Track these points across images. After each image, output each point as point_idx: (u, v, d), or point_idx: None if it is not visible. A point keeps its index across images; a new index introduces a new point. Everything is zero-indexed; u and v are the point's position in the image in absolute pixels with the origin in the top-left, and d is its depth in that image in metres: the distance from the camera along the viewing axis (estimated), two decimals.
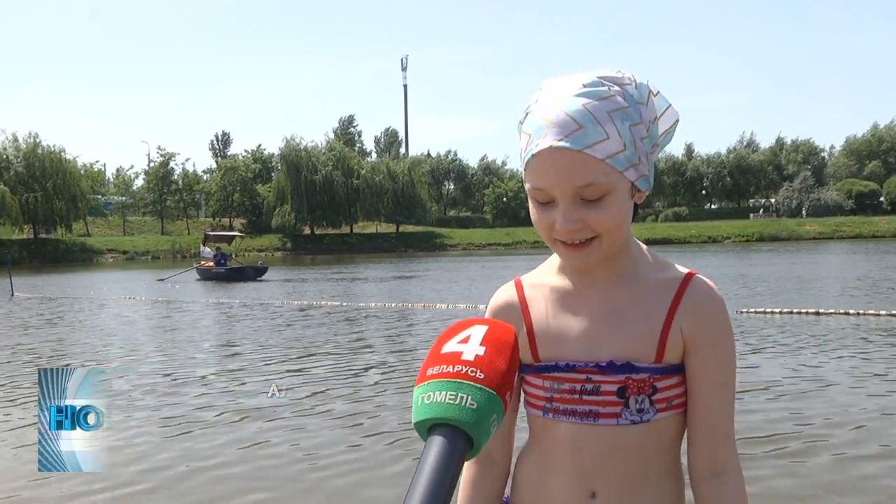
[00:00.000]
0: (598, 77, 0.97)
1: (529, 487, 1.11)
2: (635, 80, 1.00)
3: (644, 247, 1.10)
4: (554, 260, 1.11)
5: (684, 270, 1.07)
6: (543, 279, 1.11)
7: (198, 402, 6.21)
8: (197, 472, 4.42)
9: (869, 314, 10.57)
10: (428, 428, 0.67)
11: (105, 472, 4.39)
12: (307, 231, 67.31)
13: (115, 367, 8.18)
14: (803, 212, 68.11)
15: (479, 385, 0.68)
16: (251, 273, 26.24)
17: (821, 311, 11.04)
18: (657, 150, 1.06)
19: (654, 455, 1.05)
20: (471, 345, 0.71)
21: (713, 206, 79.00)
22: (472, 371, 0.69)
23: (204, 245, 31.98)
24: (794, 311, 11.18)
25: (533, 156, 0.96)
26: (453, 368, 0.69)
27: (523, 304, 1.09)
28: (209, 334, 11.15)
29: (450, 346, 0.72)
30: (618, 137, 0.95)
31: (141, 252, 56.53)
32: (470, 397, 0.67)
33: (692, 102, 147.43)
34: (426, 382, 0.70)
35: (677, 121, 1.08)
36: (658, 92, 1.04)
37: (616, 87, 0.97)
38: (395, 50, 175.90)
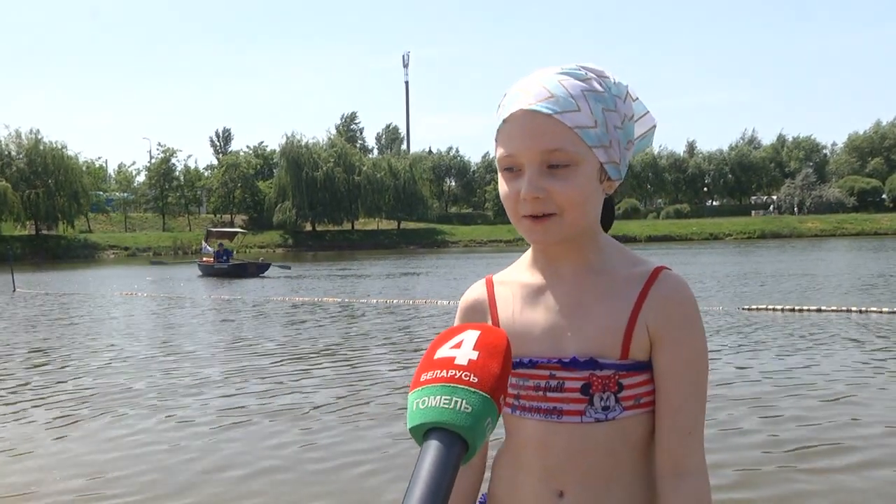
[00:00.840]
0: (579, 65, 1.01)
1: (503, 486, 1.11)
2: (615, 79, 1.03)
3: (616, 242, 1.09)
4: (525, 257, 1.12)
5: (655, 265, 1.05)
6: (513, 276, 1.11)
7: (203, 402, 6.20)
8: (201, 474, 4.42)
9: (871, 311, 10.55)
10: (423, 432, 0.68)
11: (118, 475, 4.39)
12: (308, 227, 67.31)
13: (121, 366, 8.18)
14: (796, 209, 67.96)
15: (472, 389, 0.69)
16: (254, 269, 26.21)
17: (823, 308, 11.02)
18: (632, 149, 1.06)
19: (624, 454, 1.02)
20: (464, 349, 0.72)
21: (715, 204, 78.93)
22: (465, 375, 0.70)
23: (206, 241, 32.03)
24: (797, 308, 11.16)
25: (504, 121, 0.98)
26: (447, 373, 0.70)
27: (491, 302, 1.09)
28: (213, 331, 11.15)
29: (443, 352, 0.73)
30: (590, 114, 0.97)
31: (142, 248, 56.57)
32: (464, 401, 0.68)
33: (694, 100, 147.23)
34: (420, 388, 0.71)
35: (654, 126, 1.10)
36: (637, 98, 1.06)
37: (594, 75, 1.00)
38: (396, 47, 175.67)
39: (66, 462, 4.57)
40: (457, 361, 0.71)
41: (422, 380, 0.71)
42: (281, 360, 8.06)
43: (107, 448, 4.82)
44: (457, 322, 1.10)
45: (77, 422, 5.52)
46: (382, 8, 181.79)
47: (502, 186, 1.01)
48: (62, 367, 7.92)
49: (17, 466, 4.53)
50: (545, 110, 0.96)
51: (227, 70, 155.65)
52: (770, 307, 11.34)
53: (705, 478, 1.02)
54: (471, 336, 0.74)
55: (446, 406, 0.68)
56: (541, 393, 1.03)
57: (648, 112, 1.09)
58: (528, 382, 1.04)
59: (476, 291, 1.13)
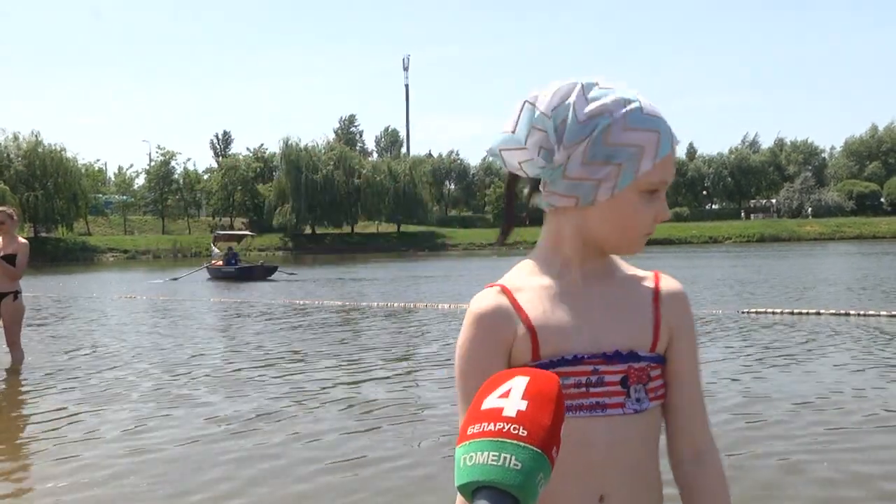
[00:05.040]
0: None
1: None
2: None
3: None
4: (525, 266, 1.14)
5: (650, 269, 1.17)
6: (527, 282, 1.11)
7: (207, 407, 6.20)
8: (195, 479, 4.42)
9: (870, 315, 10.57)
10: (472, 490, 0.65)
11: (124, 479, 4.39)
12: (308, 231, 67.31)
13: (121, 368, 8.18)
14: (802, 211, 68.06)
15: (522, 443, 0.66)
16: (261, 273, 26.13)
17: (822, 311, 11.04)
18: None
19: (648, 446, 1.10)
20: (512, 399, 0.69)
21: (714, 207, 79.05)
22: (514, 428, 0.66)
23: (214, 245, 32.03)
24: (796, 311, 11.18)
25: (669, 152, 1.08)
26: (494, 426, 0.67)
27: (516, 306, 1.08)
28: (218, 335, 11.15)
29: (490, 402, 0.69)
30: None
31: (142, 251, 56.55)
32: (514, 457, 0.65)
33: (694, 103, 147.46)
34: (467, 442, 0.68)
35: None
36: None
37: None
38: (396, 50, 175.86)
39: (82, 467, 4.57)
40: (505, 413, 0.67)
41: (468, 433, 0.68)
42: (286, 363, 8.07)
43: (119, 454, 4.83)
44: (473, 331, 1.09)
45: (87, 427, 5.52)
46: (382, 11, 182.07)
47: (637, 209, 1.06)
48: (68, 372, 7.92)
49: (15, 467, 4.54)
50: None
51: (227, 73, 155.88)
52: (769, 311, 11.35)
53: (719, 455, 1.14)
54: (519, 383, 0.70)
55: (494, 463, 0.65)
56: (583, 389, 1.06)
57: None
58: (568, 381, 1.05)
59: (495, 299, 1.10)
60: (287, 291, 19.32)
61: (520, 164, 1.07)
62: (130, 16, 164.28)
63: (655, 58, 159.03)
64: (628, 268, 1.16)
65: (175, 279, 25.97)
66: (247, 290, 20.44)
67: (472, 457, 0.66)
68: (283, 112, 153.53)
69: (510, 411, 0.67)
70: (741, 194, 77.33)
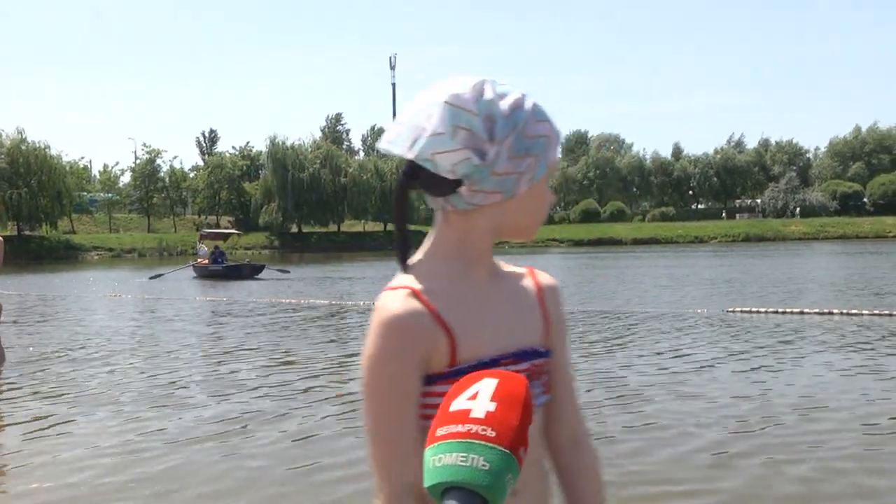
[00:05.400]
0: None
1: None
2: None
3: None
4: (422, 268, 1.10)
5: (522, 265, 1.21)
6: (430, 284, 1.07)
7: (197, 408, 6.19)
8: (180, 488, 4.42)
9: (852, 313, 10.71)
10: (441, 492, 0.66)
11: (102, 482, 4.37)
12: (294, 229, 67.04)
13: (109, 370, 8.12)
14: (787, 211, 68.65)
15: (490, 444, 0.67)
16: (248, 271, 25.90)
17: (805, 310, 11.17)
18: None
19: (542, 438, 1.14)
20: (480, 401, 0.69)
21: (700, 207, 79.59)
22: (482, 429, 0.67)
23: (200, 243, 31.73)
24: (780, 310, 11.30)
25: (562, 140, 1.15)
26: (463, 428, 0.68)
27: (430, 308, 1.04)
28: (208, 334, 11.10)
29: (458, 404, 0.70)
30: None
31: (127, 249, 56.07)
32: (482, 458, 0.66)
33: (680, 103, 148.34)
34: (436, 444, 0.68)
35: None
36: None
37: None
38: (384, 49, 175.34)
39: (51, 468, 4.54)
40: (473, 414, 0.68)
41: (437, 435, 0.69)
42: (277, 363, 8.05)
43: (91, 456, 4.80)
44: (387, 339, 1.03)
45: (64, 425, 5.49)
46: (369, 10, 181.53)
47: (547, 196, 1.12)
48: (52, 373, 7.86)
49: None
50: None
51: (214, 71, 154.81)
52: (754, 310, 11.47)
53: (592, 439, 1.21)
54: (487, 385, 0.71)
55: (462, 464, 0.66)
56: None
57: None
58: None
59: (408, 303, 1.05)
60: (275, 290, 19.25)
61: (453, 165, 1.03)
62: (117, 13, 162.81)
63: (646, 58, 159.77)
64: (505, 265, 1.17)
65: (157, 276, 25.63)
66: (234, 288, 20.33)
67: (440, 458, 0.67)
68: (270, 110, 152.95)
69: (479, 413, 0.68)
70: (727, 194, 77.89)
